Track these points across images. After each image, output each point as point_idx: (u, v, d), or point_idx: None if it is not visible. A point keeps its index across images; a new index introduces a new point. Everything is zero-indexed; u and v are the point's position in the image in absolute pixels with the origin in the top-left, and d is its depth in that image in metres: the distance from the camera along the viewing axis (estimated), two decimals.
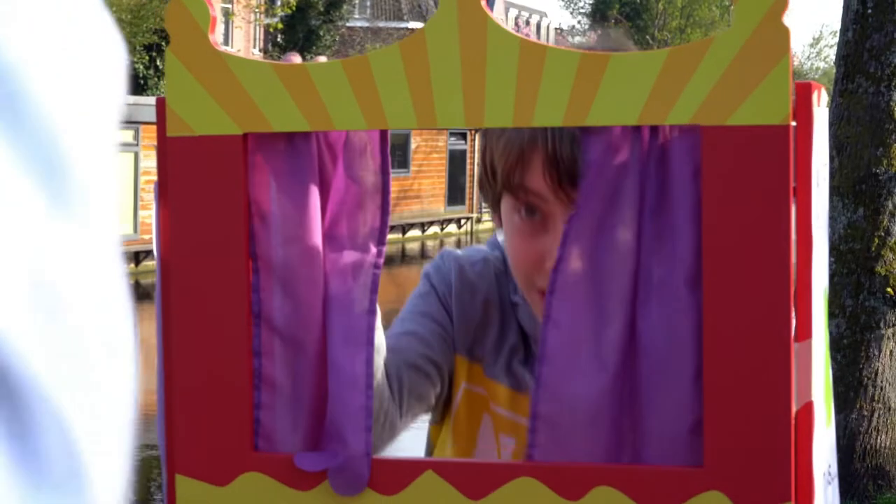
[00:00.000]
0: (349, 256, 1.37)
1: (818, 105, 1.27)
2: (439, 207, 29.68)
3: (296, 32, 42.89)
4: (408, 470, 1.33)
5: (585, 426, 1.32)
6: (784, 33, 1.23)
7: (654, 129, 1.31)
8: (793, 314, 1.25)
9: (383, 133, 1.36)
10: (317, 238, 1.36)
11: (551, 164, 1.50)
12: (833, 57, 7.55)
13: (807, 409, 1.26)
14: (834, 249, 6.81)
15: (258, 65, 1.33)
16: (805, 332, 1.26)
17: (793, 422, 1.25)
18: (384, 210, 1.37)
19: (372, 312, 1.36)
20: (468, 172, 30.37)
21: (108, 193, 0.62)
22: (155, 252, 1.38)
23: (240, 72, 1.33)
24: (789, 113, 1.23)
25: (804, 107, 1.25)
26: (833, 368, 7.02)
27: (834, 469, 1.40)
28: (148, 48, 32.93)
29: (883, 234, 6.91)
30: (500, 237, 1.67)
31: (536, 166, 1.51)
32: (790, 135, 1.23)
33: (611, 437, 1.33)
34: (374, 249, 1.37)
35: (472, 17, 1.29)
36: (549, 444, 1.32)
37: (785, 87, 1.23)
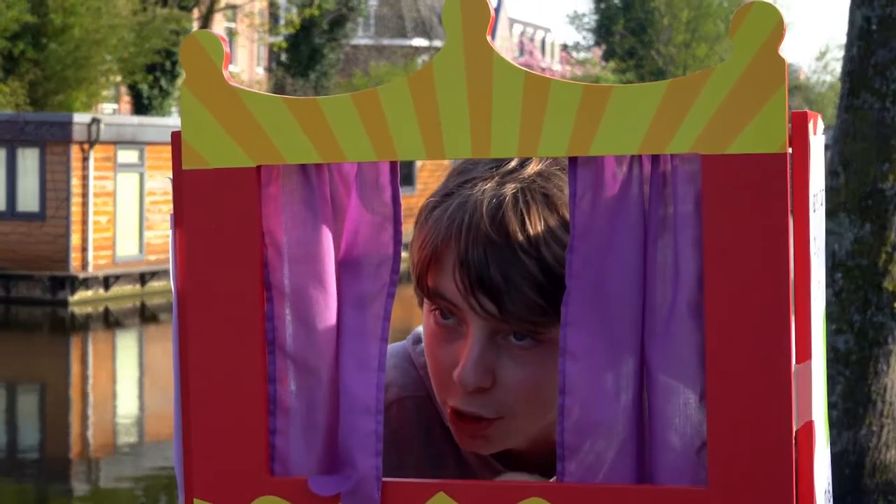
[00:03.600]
0: (363, 285, 1.40)
1: (814, 133, 1.31)
2: None
3: (300, 51, 42.90)
4: (419, 491, 1.37)
5: (611, 451, 1.35)
6: (780, 64, 1.27)
7: (655, 159, 1.34)
8: (792, 336, 1.29)
9: (393, 164, 1.40)
10: (330, 267, 1.40)
11: (462, 268, 1.50)
12: (840, 70, 7.58)
13: (807, 429, 1.30)
14: (841, 265, 6.84)
15: (271, 99, 1.37)
16: (804, 353, 1.30)
17: (794, 441, 1.28)
18: (396, 240, 1.41)
19: (384, 339, 1.39)
20: None
21: None
22: (172, 282, 1.42)
23: (253, 106, 1.37)
24: (786, 141, 1.27)
25: (800, 135, 1.29)
26: (841, 384, 7.06)
27: (831, 487, 1.43)
28: (151, 68, 32.96)
29: (890, 249, 6.94)
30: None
31: (448, 268, 1.52)
32: (787, 162, 1.27)
33: (636, 459, 1.36)
34: (386, 278, 1.40)
35: (478, 51, 1.33)
36: (578, 471, 1.35)
37: (781, 116, 1.27)
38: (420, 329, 1.70)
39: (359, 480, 1.37)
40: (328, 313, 1.40)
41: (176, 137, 1.40)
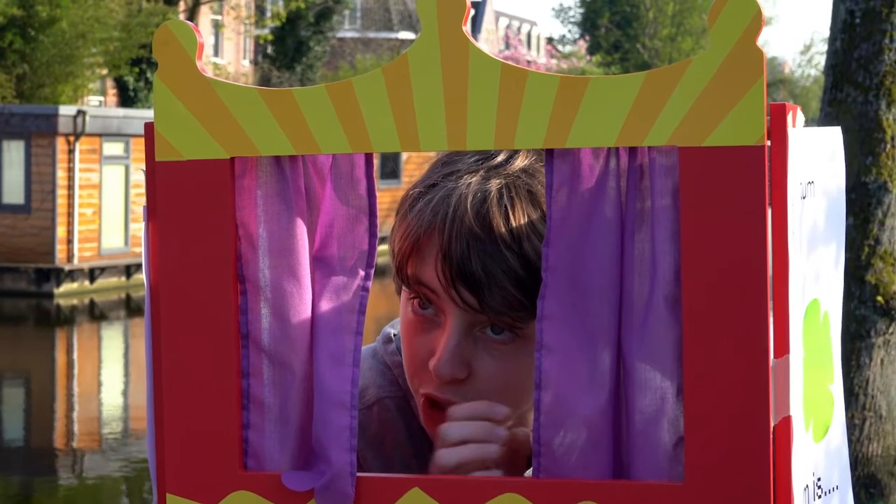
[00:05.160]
0: (337, 278, 1.39)
1: (793, 125, 1.30)
2: None
3: (286, 44, 42.81)
4: (394, 487, 1.35)
5: (587, 446, 1.34)
6: (758, 56, 1.25)
7: (632, 151, 1.33)
8: (770, 330, 1.27)
9: (368, 156, 1.39)
10: (304, 260, 1.39)
11: (444, 260, 1.49)
12: (824, 64, 7.57)
13: (785, 424, 1.29)
14: None
15: (244, 90, 1.35)
16: (782, 348, 1.29)
17: (771, 437, 1.27)
18: (372, 233, 1.39)
19: (359, 333, 1.38)
20: None
21: None
22: (144, 275, 1.41)
23: (226, 97, 1.35)
24: (764, 134, 1.26)
25: (779, 127, 1.28)
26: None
27: (829, 483, 1.40)
28: (137, 61, 32.88)
29: (873, 242, 6.94)
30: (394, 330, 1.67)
31: (430, 259, 1.51)
32: (765, 155, 1.26)
33: (612, 454, 1.35)
34: (362, 272, 1.39)
35: (454, 42, 1.31)
36: (554, 467, 1.34)
37: (760, 108, 1.25)
38: (389, 329, 1.70)
39: (333, 476, 1.35)
40: (303, 307, 1.38)
41: (149, 129, 1.38)
